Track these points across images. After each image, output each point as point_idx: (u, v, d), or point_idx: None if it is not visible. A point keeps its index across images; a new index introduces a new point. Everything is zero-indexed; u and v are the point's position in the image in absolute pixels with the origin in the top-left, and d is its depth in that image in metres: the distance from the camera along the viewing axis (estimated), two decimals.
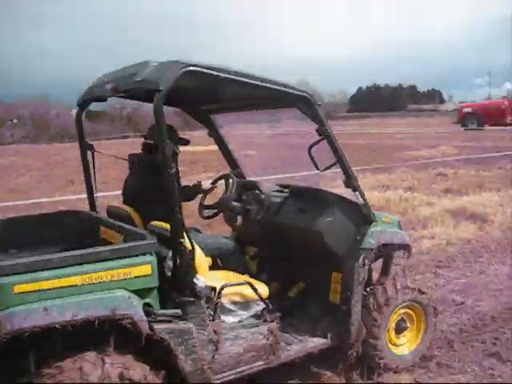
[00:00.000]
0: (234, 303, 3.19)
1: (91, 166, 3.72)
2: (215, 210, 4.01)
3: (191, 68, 2.75)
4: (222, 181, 4.08)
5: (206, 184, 4.18)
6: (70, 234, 3.60)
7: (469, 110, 40.93)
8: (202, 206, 4.12)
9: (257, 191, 3.95)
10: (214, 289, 2.98)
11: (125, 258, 2.58)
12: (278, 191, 4.11)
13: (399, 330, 3.75)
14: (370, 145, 22.83)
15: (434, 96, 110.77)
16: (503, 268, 5.98)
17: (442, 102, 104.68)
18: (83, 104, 3.64)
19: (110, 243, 3.12)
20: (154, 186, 3.28)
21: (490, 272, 5.86)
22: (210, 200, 4.16)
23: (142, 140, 3.92)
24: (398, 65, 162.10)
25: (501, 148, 18.61)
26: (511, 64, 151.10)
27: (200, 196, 4.17)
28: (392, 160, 16.18)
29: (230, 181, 3.94)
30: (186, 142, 3.96)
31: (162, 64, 2.80)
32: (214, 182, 4.21)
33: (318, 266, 3.74)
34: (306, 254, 3.83)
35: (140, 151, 3.93)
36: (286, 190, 4.06)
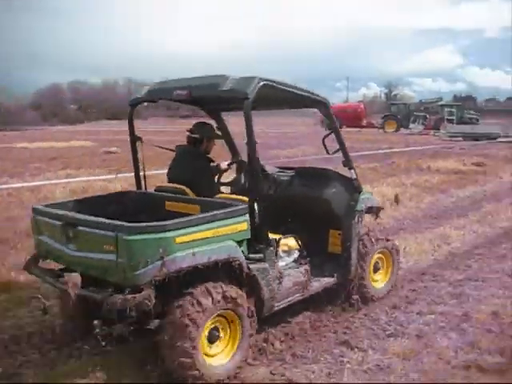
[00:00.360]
0: (284, 251, 4.32)
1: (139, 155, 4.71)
2: (229, 187, 5.19)
3: (267, 82, 3.83)
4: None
5: (224, 165, 5.11)
6: (138, 209, 4.40)
7: None
8: (219, 183, 5.05)
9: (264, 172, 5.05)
10: (275, 240, 4.06)
11: (232, 217, 3.62)
12: (281, 172, 5.29)
13: (376, 269, 5.16)
14: None
15: None
16: None
17: None
18: (135, 104, 4.65)
19: (179, 214, 3.79)
20: (201, 169, 4.60)
21: None
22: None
23: (187, 134, 4.81)
24: (258, 66, 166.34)
25: (357, 148, 19.84)
26: (367, 71, 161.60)
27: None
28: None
29: (242, 164, 5.10)
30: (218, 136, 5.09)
31: (242, 78, 3.81)
32: (230, 164, 5.19)
33: (318, 226, 4.91)
34: (311, 218, 4.90)
35: (185, 143, 4.81)
36: (290, 171, 5.27)
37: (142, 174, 4.77)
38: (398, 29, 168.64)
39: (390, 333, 4.43)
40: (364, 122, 43.42)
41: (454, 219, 8.70)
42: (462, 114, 40.45)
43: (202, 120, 5.05)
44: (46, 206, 4.17)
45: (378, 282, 5.21)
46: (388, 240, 5.25)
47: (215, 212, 3.56)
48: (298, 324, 4.54)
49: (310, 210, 4.91)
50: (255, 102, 3.73)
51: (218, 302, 3.51)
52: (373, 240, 4.99)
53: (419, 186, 11.56)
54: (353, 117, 42.32)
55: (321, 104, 4.55)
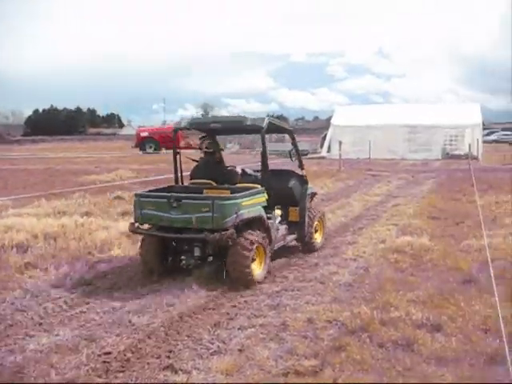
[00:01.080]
0: (277, 215, 7.25)
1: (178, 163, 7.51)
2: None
3: (271, 119, 6.98)
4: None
5: (238, 168, 7.71)
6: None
7: (146, 134, 42.82)
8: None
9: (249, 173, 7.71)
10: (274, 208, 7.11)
11: (259, 194, 6.58)
12: (257, 172, 7.53)
13: (315, 231, 8.07)
14: (47, 170, 21.99)
15: (114, 120, 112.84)
16: (175, 284, 6.34)
17: (122, 126, 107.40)
18: (177, 130, 7.83)
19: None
20: (219, 170, 7.30)
21: (163, 289, 6.16)
22: None
23: (205, 149, 7.46)
24: (77, 89, 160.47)
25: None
26: (184, 92, 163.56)
27: None
28: (70, 185, 15.91)
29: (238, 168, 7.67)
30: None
31: (257, 117, 6.98)
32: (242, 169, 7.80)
33: (285, 204, 7.67)
34: (281, 199, 7.41)
35: (203, 155, 7.54)
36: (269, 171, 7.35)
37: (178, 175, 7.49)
38: (212, 51, 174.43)
39: (214, 351, 4.47)
40: (182, 144, 43.77)
41: None
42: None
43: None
44: (145, 192, 7.12)
45: (318, 238, 8.17)
46: (322, 212, 8.56)
47: (254, 190, 6.66)
48: (119, 353, 4.38)
49: (280, 194, 7.29)
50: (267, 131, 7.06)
51: (255, 238, 6.30)
52: (314, 213, 8.03)
53: None
54: (171, 138, 42.28)
55: (290, 131, 8.01)
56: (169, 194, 6.48)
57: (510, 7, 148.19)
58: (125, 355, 4.35)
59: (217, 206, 6.03)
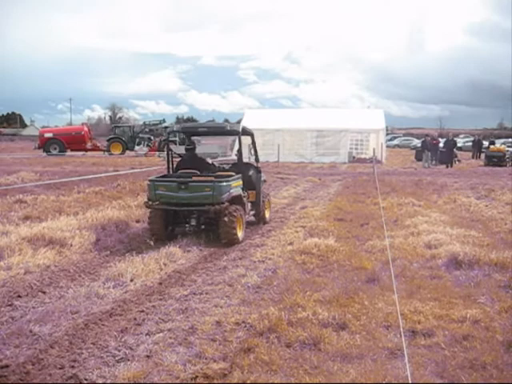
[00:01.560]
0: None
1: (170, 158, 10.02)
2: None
3: (244, 126, 10.01)
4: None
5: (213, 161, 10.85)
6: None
7: (50, 135, 41.23)
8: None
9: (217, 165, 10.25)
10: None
11: (239, 179, 9.29)
12: (223, 164, 10.51)
13: (265, 208, 10.65)
14: None
15: (15, 120, 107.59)
16: (81, 289, 6.14)
17: (24, 126, 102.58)
18: (170, 133, 12.36)
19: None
20: (199, 163, 9.68)
21: (68, 296, 5.94)
22: None
23: (187, 143, 10.13)
24: None
25: (80, 172, 19.33)
26: (91, 92, 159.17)
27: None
28: None
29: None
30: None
31: (235, 124, 13.12)
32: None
33: (246, 188, 9.71)
34: (244, 184, 9.56)
35: (186, 150, 10.00)
36: (227, 164, 10.58)
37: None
38: (120, 52, 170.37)
39: (120, 358, 4.36)
40: (89, 145, 42.55)
41: (179, 237, 9.03)
42: (184, 136, 42.57)
43: None
44: (157, 178, 9.40)
45: (267, 214, 10.86)
46: (268, 194, 11.44)
47: (236, 176, 9.13)
48: (18, 366, 4.16)
49: (244, 180, 9.54)
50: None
51: (238, 210, 8.80)
52: (264, 195, 10.61)
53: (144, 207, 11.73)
54: (77, 140, 41.11)
55: (252, 134, 10.45)
56: (178, 179, 8.89)
57: (415, 16, 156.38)
58: (24, 367, 4.15)
59: (216, 186, 8.62)
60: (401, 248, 8.09)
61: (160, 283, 6.51)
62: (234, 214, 8.64)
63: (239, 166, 9.86)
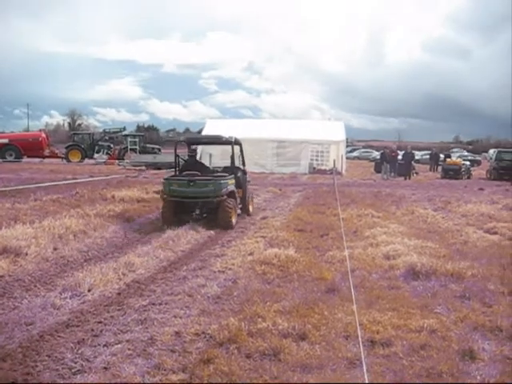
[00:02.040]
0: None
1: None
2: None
3: (236, 138, 12.77)
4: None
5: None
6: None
7: (5, 140, 40.33)
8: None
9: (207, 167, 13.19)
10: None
11: (232, 178, 12.13)
12: (216, 168, 13.50)
13: (249, 203, 13.36)
14: None
15: None
16: (36, 300, 5.99)
17: None
18: (178, 142, 13.80)
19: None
20: (199, 166, 12.49)
21: (23, 306, 5.78)
22: None
23: (189, 151, 12.82)
24: None
25: (37, 179, 18.90)
26: (50, 98, 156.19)
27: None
28: None
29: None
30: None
31: (230, 136, 12.73)
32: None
33: (236, 187, 12.29)
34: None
35: (189, 157, 12.74)
36: (220, 167, 13.44)
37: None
38: (80, 57, 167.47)
39: (76, 370, 4.27)
40: (47, 152, 41.74)
41: (138, 247, 8.94)
42: (144, 144, 42.31)
43: None
44: (170, 177, 12.10)
45: (251, 208, 13.27)
46: (252, 193, 14.16)
47: (229, 176, 11.91)
48: None
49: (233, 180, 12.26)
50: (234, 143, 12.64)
51: (233, 202, 11.50)
52: (249, 193, 13.21)
53: (103, 215, 11.57)
54: (34, 146, 40.30)
55: (240, 143, 13.13)
56: (187, 178, 11.38)
57: (375, 29, 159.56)
58: None
59: (217, 183, 11.23)
60: (360, 259, 8.19)
61: (118, 293, 6.40)
62: (230, 205, 11.30)
63: (231, 169, 12.54)
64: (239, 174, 12.78)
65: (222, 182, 11.29)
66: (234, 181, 12.00)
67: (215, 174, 11.98)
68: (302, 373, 4.25)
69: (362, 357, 4.31)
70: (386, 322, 5.32)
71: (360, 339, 4.71)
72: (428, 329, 5.18)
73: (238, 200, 12.29)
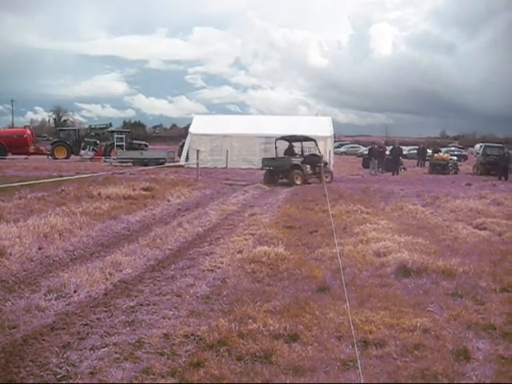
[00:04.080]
0: None
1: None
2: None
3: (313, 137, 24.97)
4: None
5: None
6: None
7: None
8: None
9: None
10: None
11: (298, 158, 24.63)
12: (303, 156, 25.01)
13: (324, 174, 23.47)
14: None
15: None
16: (20, 302, 5.81)
17: None
18: (277, 139, 24.91)
19: None
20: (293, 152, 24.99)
21: (6, 309, 5.61)
22: None
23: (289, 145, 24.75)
24: None
25: (22, 177, 18.63)
26: (35, 93, 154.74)
27: None
28: None
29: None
30: None
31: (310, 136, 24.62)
32: None
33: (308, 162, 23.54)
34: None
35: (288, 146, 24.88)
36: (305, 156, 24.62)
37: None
38: (65, 53, 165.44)
39: (62, 376, 4.12)
40: (32, 149, 41.32)
41: (125, 245, 8.77)
42: (131, 140, 41.99)
43: None
44: (267, 157, 24.39)
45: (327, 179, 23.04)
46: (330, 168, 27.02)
47: (295, 157, 24.04)
48: None
49: (311, 162, 23.83)
50: None
51: (297, 171, 22.46)
52: (328, 170, 25.87)
53: (89, 213, 11.37)
54: (19, 143, 39.89)
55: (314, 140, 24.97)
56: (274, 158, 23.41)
57: (360, 23, 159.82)
58: None
59: (287, 159, 22.72)
60: (350, 256, 8.10)
61: (105, 294, 6.24)
62: (294, 172, 21.76)
63: (312, 156, 23.49)
64: (316, 159, 23.05)
65: (290, 159, 22.35)
66: (300, 159, 22.76)
67: (292, 157, 22.86)
68: (295, 375, 4.14)
69: (358, 358, 4.23)
70: (378, 322, 5.23)
71: (354, 340, 4.63)
72: (421, 328, 5.09)
73: (311, 171, 22.67)
